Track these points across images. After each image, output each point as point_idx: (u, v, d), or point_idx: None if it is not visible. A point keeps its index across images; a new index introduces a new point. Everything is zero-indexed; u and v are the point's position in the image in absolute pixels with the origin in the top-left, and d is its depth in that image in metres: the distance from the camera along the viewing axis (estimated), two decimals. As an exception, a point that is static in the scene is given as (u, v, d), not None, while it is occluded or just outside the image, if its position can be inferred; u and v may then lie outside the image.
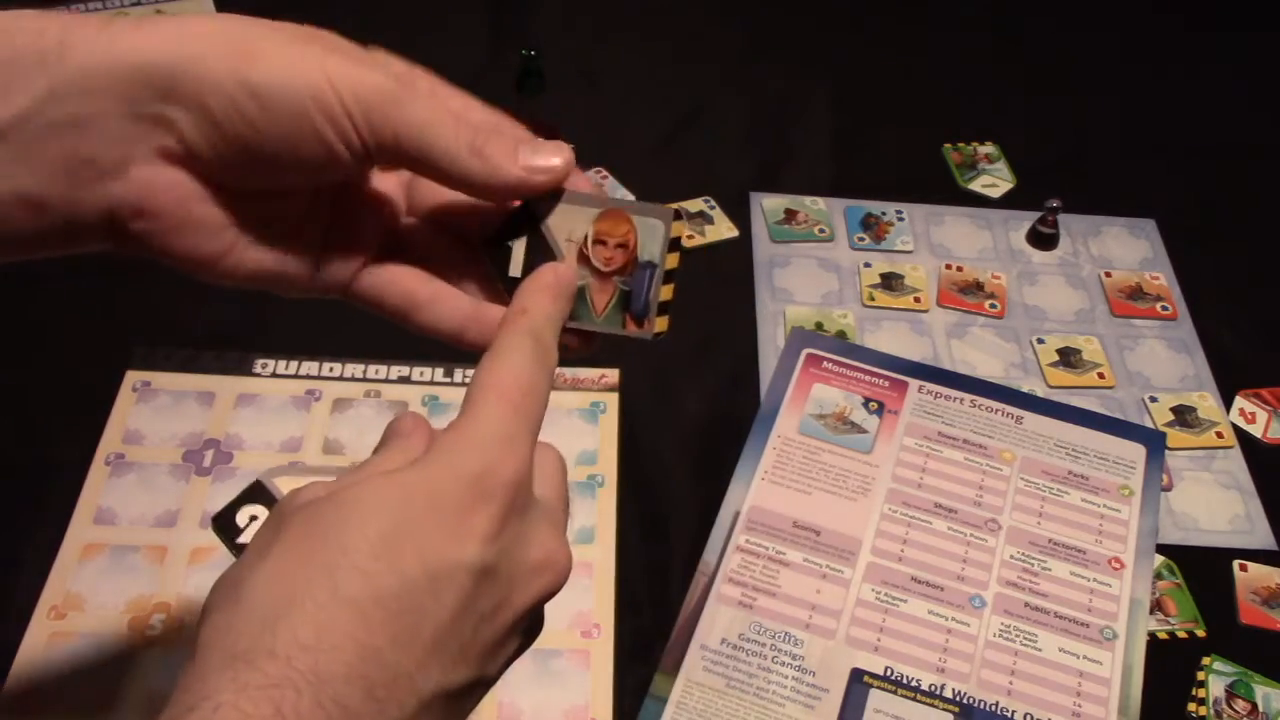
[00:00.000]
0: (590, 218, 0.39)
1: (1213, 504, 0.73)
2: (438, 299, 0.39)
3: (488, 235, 0.39)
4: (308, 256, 0.38)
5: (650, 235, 0.39)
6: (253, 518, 0.38)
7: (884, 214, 0.90)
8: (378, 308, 0.40)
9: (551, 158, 0.37)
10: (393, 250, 0.40)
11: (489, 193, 0.37)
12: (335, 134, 0.33)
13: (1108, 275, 0.87)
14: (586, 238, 0.38)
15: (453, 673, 0.31)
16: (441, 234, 0.41)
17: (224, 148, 0.33)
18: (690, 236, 0.87)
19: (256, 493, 0.38)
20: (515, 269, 0.38)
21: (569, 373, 0.76)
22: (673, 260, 0.39)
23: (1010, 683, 0.62)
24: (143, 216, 0.34)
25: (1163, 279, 0.87)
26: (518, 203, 0.39)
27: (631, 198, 0.89)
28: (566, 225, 0.38)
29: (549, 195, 0.38)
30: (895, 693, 0.61)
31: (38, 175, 0.32)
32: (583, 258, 0.38)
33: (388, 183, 0.41)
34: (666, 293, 0.38)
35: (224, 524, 0.38)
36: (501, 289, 0.38)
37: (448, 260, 0.40)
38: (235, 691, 0.27)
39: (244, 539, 0.37)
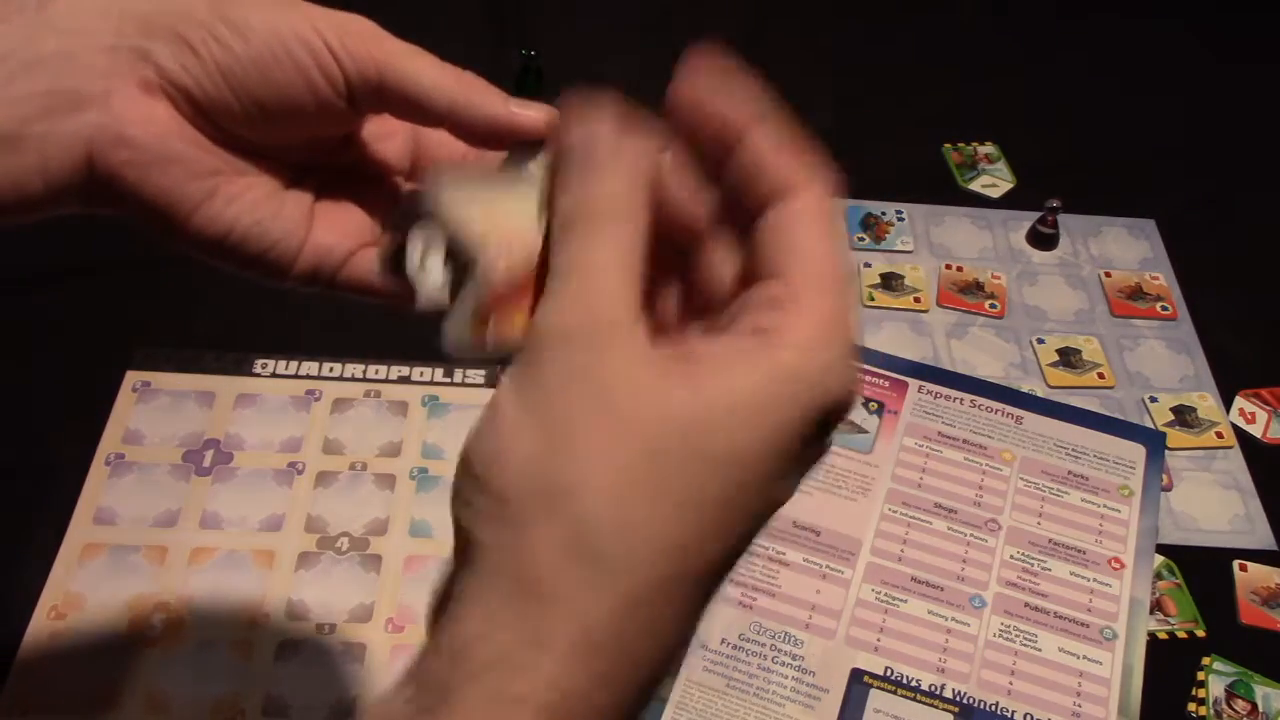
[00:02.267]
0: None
1: (1213, 504, 0.73)
2: None
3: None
4: (294, 226, 0.36)
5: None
6: (426, 250, 0.31)
7: (884, 214, 0.90)
8: (366, 292, 0.38)
9: (539, 109, 0.36)
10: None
11: (475, 129, 0.35)
12: (317, 68, 0.33)
13: (1108, 275, 0.87)
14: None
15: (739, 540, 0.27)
16: None
17: (206, 82, 0.33)
18: (690, 236, 0.87)
19: (414, 211, 0.32)
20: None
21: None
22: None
23: (1010, 683, 0.62)
24: (121, 145, 0.33)
25: (1163, 279, 0.87)
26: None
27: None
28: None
29: (533, 144, 0.34)
30: (895, 693, 0.61)
31: (15, 110, 0.31)
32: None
33: (389, 154, 0.39)
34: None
35: (397, 265, 0.33)
36: None
37: None
38: (576, 678, 0.24)
39: (431, 281, 0.30)
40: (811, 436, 0.27)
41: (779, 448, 0.26)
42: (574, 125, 0.30)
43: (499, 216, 0.31)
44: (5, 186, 0.32)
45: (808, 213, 0.28)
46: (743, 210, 0.29)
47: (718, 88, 0.29)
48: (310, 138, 0.36)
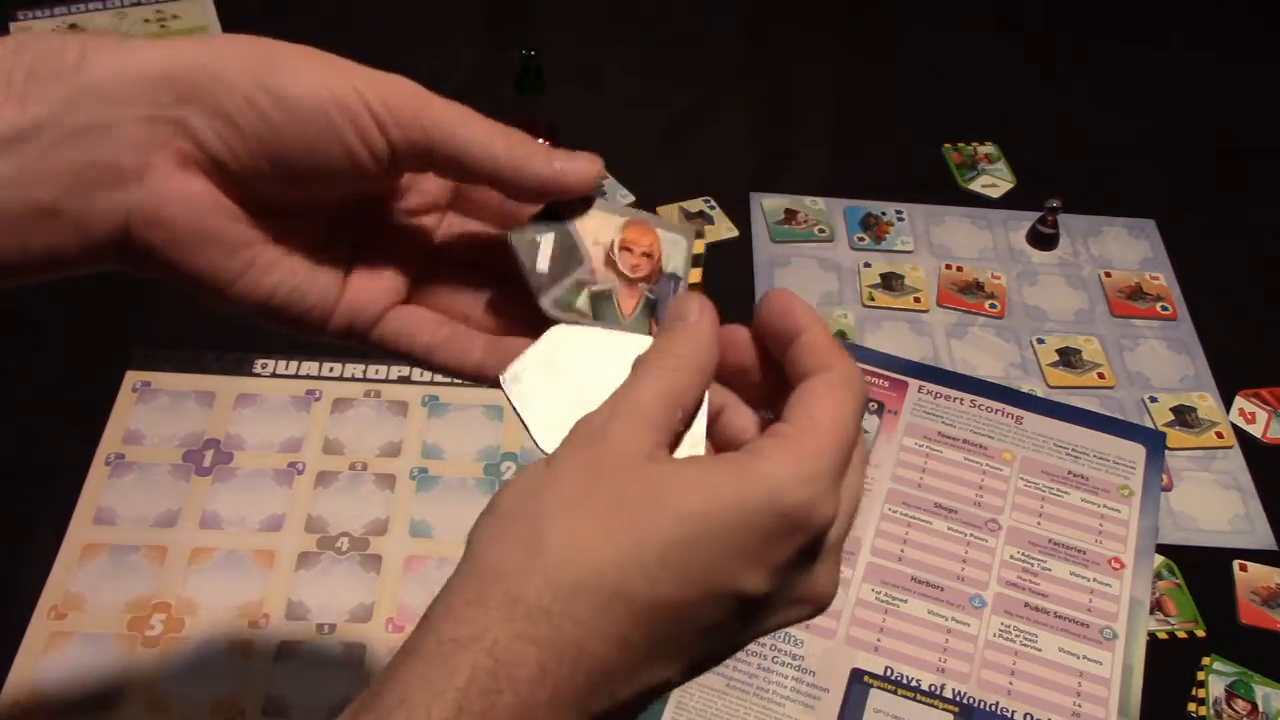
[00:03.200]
0: (618, 225, 0.39)
1: (1213, 504, 0.73)
2: (455, 337, 0.39)
3: (516, 230, 0.38)
4: (330, 286, 0.37)
5: (674, 249, 0.40)
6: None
7: (884, 214, 0.90)
8: (400, 350, 0.39)
9: (583, 161, 0.37)
10: (417, 286, 0.40)
11: (521, 186, 0.36)
12: (358, 136, 0.33)
13: (1108, 275, 0.87)
14: (613, 244, 0.39)
15: (674, 670, 0.32)
16: (463, 269, 0.40)
17: (243, 152, 0.33)
18: (690, 236, 0.87)
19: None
20: (542, 264, 0.38)
21: (569, 373, 0.76)
22: (695, 275, 0.40)
23: (1010, 683, 0.62)
24: (158, 225, 0.33)
25: (1163, 279, 0.87)
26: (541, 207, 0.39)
27: (631, 198, 0.89)
28: (594, 229, 0.39)
29: (579, 201, 0.39)
30: (895, 693, 0.61)
31: (54, 183, 0.31)
32: (609, 263, 0.39)
33: (421, 211, 0.40)
34: None
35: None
36: (524, 289, 0.38)
37: (468, 293, 0.40)
38: (510, 637, 0.29)
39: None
40: (790, 561, 0.31)
41: (745, 548, 0.31)
42: (682, 299, 0.37)
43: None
44: (42, 253, 0.33)
45: (829, 380, 0.34)
46: (789, 377, 0.35)
47: (787, 299, 0.37)
48: (349, 197, 0.37)
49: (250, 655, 0.62)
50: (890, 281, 0.85)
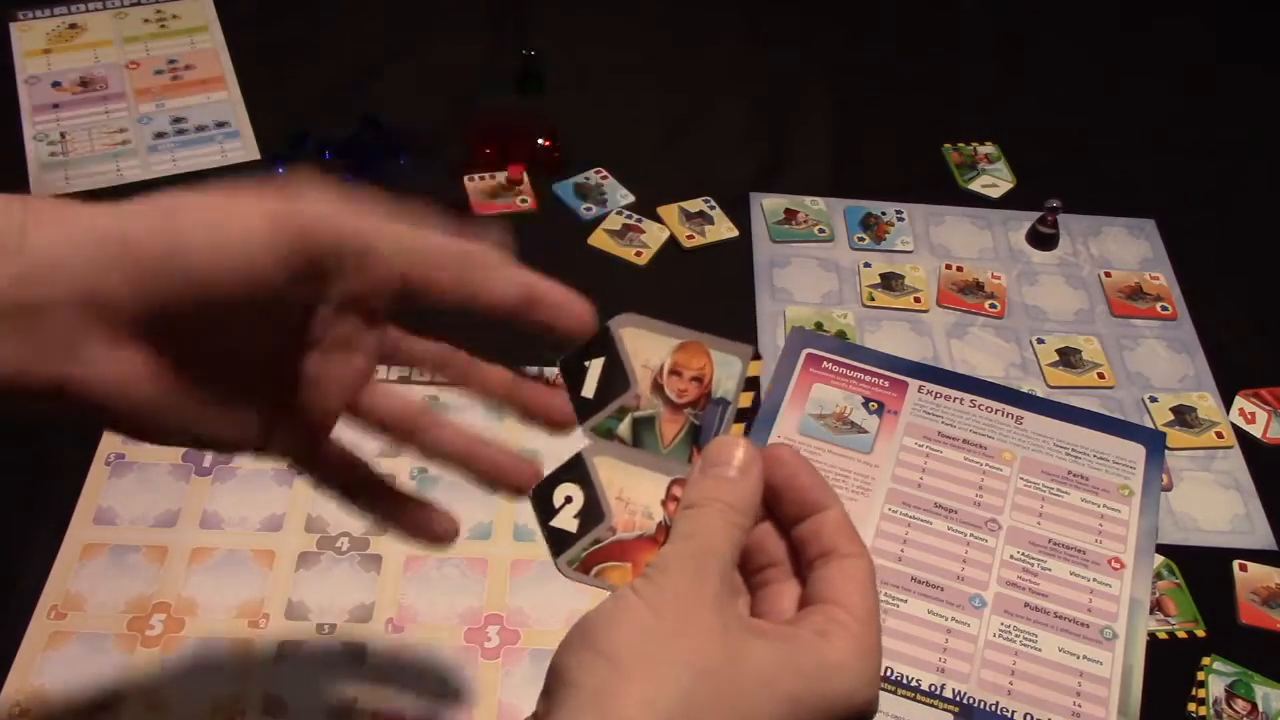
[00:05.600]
0: (669, 347, 0.39)
1: (1213, 504, 0.73)
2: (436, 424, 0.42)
3: (566, 355, 0.39)
4: (255, 425, 0.39)
5: (726, 371, 0.39)
6: (568, 498, 0.39)
7: (884, 214, 0.90)
8: (341, 496, 0.42)
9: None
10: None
11: (486, 306, 0.38)
12: (276, 265, 0.33)
13: (1107, 275, 0.87)
14: (662, 367, 0.39)
15: None
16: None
17: (171, 315, 0.34)
18: (690, 237, 0.87)
19: (575, 470, 0.39)
20: (589, 390, 0.38)
21: (569, 373, 0.76)
22: (745, 399, 0.40)
23: (1010, 683, 0.62)
24: (92, 407, 0.34)
25: (1163, 279, 0.87)
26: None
27: (631, 198, 0.89)
28: (644, 351, 0.39)
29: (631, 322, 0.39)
30: (895, 693, 0.61)
31: None
32: (656, 387, 0.39)
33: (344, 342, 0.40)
34: (736, 430, 0.39)
35: (541, 499, 0.39)
36: (572, 410, 0.39)
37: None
38: None
39: (557, 522, 0.38)
40: None
41: (801, 716, 0.33)
42: (717, 441, 0.38)
43: (633, 487, 0.38)
44: None
45: (867, 573, 0.37)
46: (807, 547, 0.38)
47: (807, 470, 0.38)
48: (275, 342, 0.38)
49: (250, 655, 0.62)
50: (890, 281, 0.85)
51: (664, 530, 0.37)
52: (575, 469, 0.39)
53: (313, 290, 0.35)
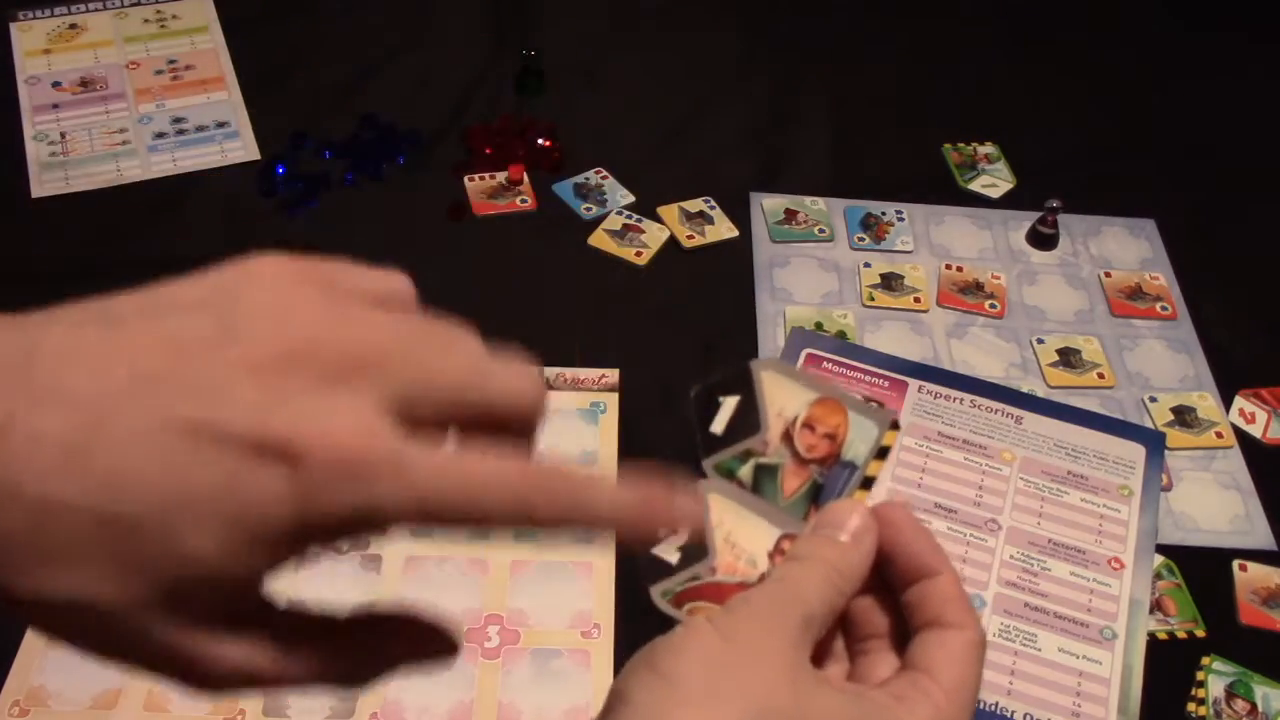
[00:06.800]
0: (807, 400, 0.38)
1: (1212, 504, 0.73)
2: None
3: (701, 387, 0.38)
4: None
5: (861, 435, 0.38)
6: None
7: (884, 214, 0.90)
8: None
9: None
10: None
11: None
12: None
13: (1107, 275, 0.87)
14: (797, 419, 0.38)
15: None
16: None
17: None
18: (690, 237, 0.87)
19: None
20: (719, 426, 0.38)
21: (569, 373, 0.76)
22: (875, 468, 0.38)
23: (1010, 683, 0.62)
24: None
25: (1162, 279, 0.87)
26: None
27: (631, 198, 0.89)
28: (780, 399, 0.38)
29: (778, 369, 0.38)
30: (895, 693, 0.61)
31: None
32: (786, 437, 0.38)
33: None
34: (859, 497, 0.37)
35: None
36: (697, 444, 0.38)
37: None
38: None
39: (659, 549, 0.37)
40: None
41: None
42: (836, 504, 0.36)
43: (742, 532, 0.37)
44: None
45: (969, 645, 0.35)
46: (914, 614, 0.36)
47: (919, 532, 0.36)
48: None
49: (250, 655, 0.62)
50: (890, 281, 0.85)
51: (764, 580, 0.36)
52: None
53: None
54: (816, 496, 0.37)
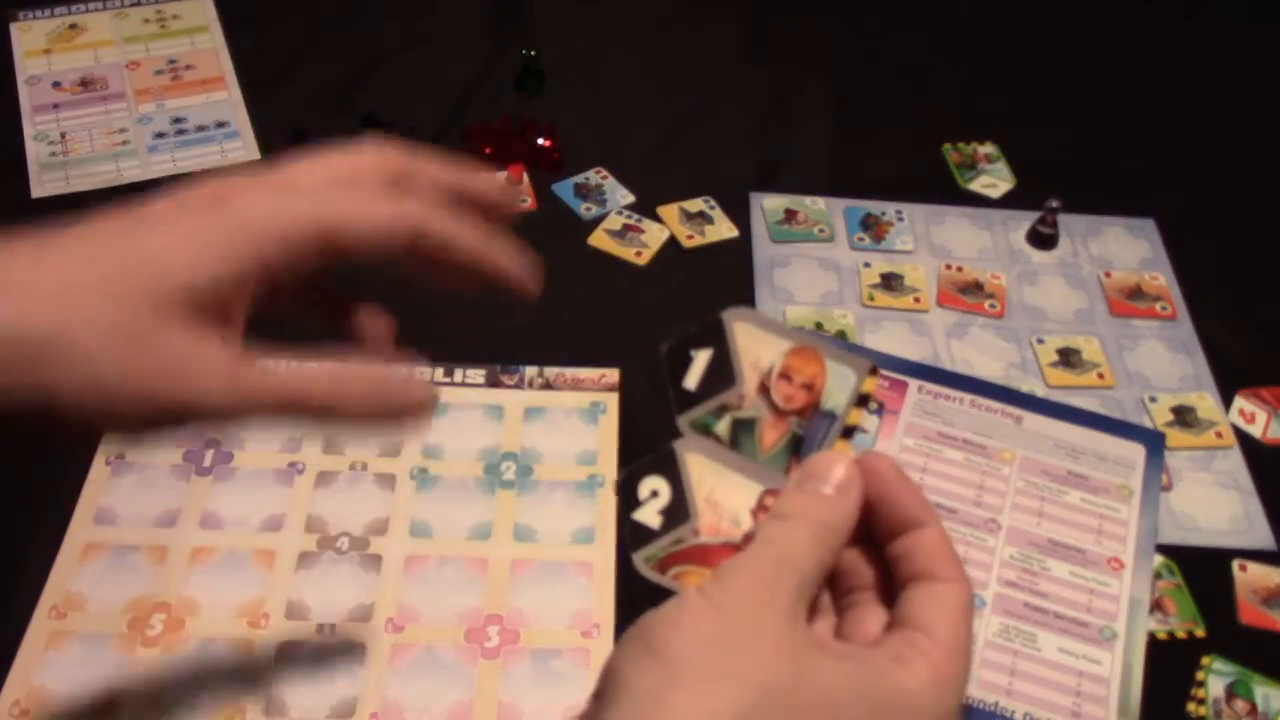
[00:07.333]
0: (782, 350, 0.37)
1: (1212, 504, 0.73)
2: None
3: (673, 342, 0.37)
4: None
5: (839, 383, 0.37)
6: (654, 492, 0.37)
7: (884, 214, 0.90)
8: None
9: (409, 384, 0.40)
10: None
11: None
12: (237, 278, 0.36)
13: (1107, 275, 0.87)
14: (772, 369, 0.37)
15: None
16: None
17: (93, 411, 0.34)
18: (690, 237, 0.87)
19: (665, 463, 0.36)
20: (692, 381, 0.37)
21: (569, 373, 0.76)
22: (855, 416, 0.37)
23: (1010, 683, 0.62)
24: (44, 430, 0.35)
25: (1162, 279, 0.87)
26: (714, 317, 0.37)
27: (631, 198, 0.89)
28: (755, 350, 0.37)
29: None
30: (895, 693, 0.61)
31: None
32: (763, 389, 0.36)
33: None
34: (841, 447, 0.36)
35: (626, 490, 0.36)
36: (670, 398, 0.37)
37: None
38: None
39: (639, 515, 0.36)
40: None
41: None
42: (819, 456, 0.36)
43: (723, 490, 0.36)
44: None
45: (961, 601, 0.35)
46: (900, 566, 0.35)
47: (905, 483, 0.36)
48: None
49: (250, 655, 0.62)
50: (890, 281, 0.85)
51: (749, 540, 0.35)
52: (665, 463, 0.36)
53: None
54: (797, 449, 0.36)
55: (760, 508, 0.36)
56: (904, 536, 0.35)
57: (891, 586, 0.36)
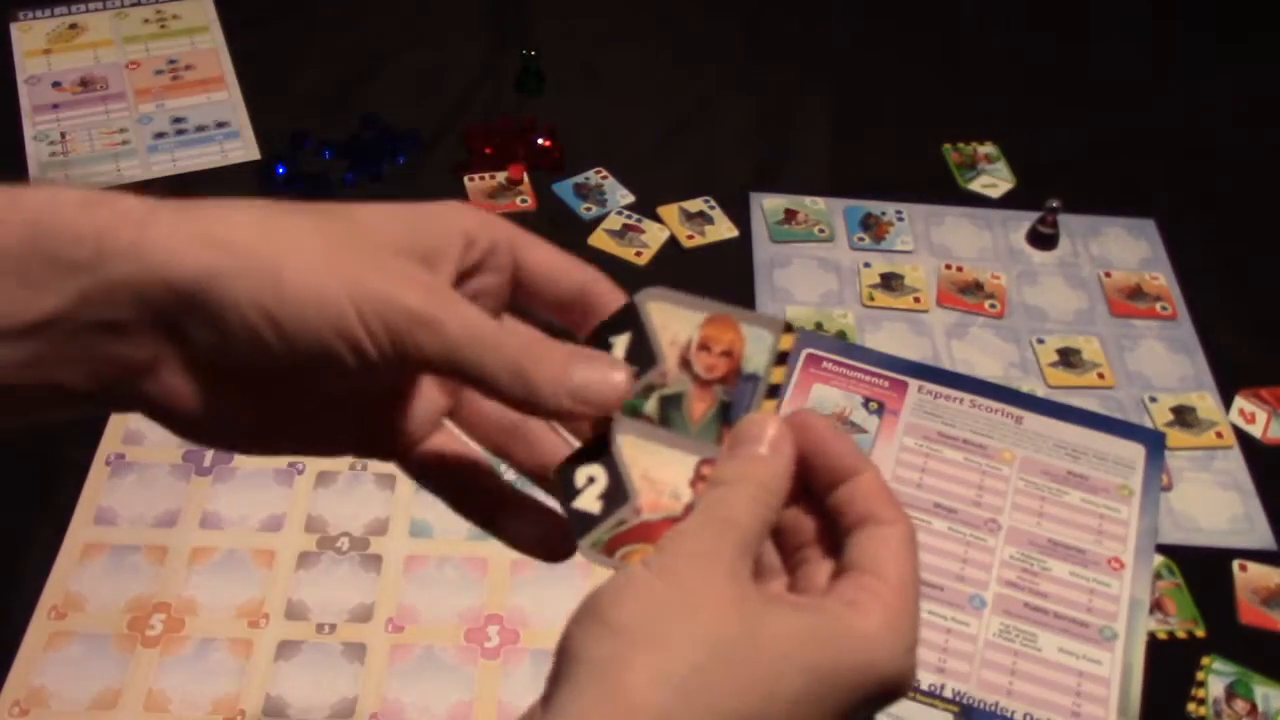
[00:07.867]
0: (697, 322, 0.37)
1: (1212, 504, 0.73)
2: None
3: (590, 331, 0.37)
4: (341, 441, 0.39)
5: (757, 345, 0.37)
6: (590, 479, 0.37)
7: (884, 214, 0.90)
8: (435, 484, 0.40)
9: (607, 375, 0.35)
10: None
11: (533, 414, 0.36)
12: (356, 360, 0.33)
13: (1107, 275, 0.87)
14: (690, 342, 0.37)
15: None
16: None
17: (237, 362, 0.33)
18: (690, 237, 0.87)
19: (598, 448, 0.37)
20: None
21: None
22: (778, 374, 0.37)
23: (1010, 683, 0.62)
24: (167, 412, 0.34)
25: (1162, 279, 0.87)
26: (622, 300, 0.38)
27: (631, 198, 0.89)
28: (672, 327, 0.37)
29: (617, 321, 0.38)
30: (895, 693, 0.61)
31: (70, 371, 0.33)
32: (684, 363, 0.37)
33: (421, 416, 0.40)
34: (768, 407, 0.37)
35: (563, 481, 0.37)
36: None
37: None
38: None
39: (579, 503, 0.36)
40: (857, 704, 0.33)
41: (853, 703, 0.33)
42: (747, 419, 0.36)
43: (659, 468, 0.36)
44: (60, 414, 0.35)
45: (904, 539, 0.35)
46: (842, 515, 0.36)
47: (835, 434, 0.36)
48: (348, 393, 0.37)
49: (250, 655, 0.62)
50: (890, 281, 0.85)
51: (690, 511, 0.36)
52: (598, 449, 0.37)
53: (391, 371, 0.34)
54: (726, 416, 0.37)
55: (698, 478, 0.36)
56: (841, 486, 0.36)
57: (836, 538, 0.36)
